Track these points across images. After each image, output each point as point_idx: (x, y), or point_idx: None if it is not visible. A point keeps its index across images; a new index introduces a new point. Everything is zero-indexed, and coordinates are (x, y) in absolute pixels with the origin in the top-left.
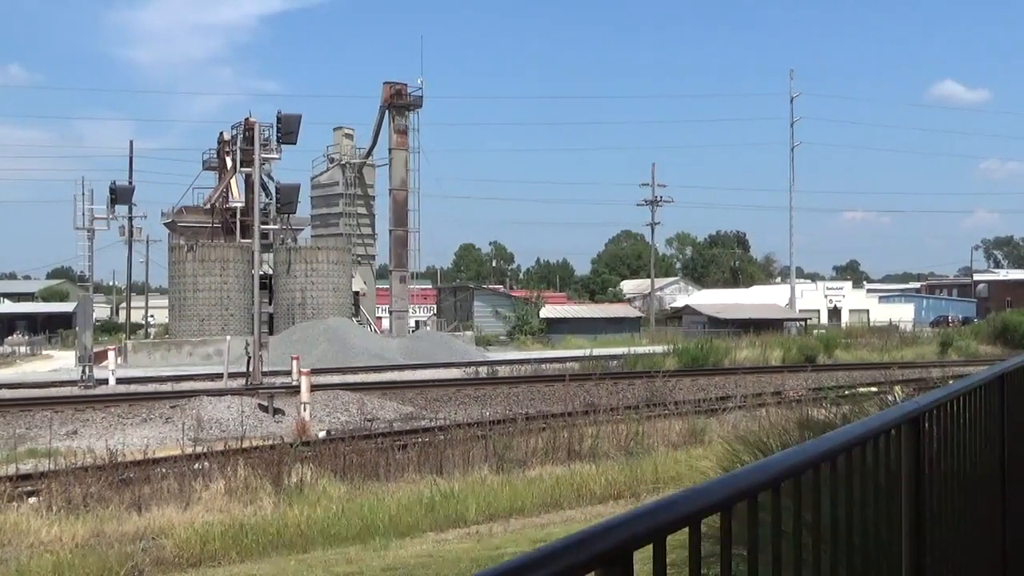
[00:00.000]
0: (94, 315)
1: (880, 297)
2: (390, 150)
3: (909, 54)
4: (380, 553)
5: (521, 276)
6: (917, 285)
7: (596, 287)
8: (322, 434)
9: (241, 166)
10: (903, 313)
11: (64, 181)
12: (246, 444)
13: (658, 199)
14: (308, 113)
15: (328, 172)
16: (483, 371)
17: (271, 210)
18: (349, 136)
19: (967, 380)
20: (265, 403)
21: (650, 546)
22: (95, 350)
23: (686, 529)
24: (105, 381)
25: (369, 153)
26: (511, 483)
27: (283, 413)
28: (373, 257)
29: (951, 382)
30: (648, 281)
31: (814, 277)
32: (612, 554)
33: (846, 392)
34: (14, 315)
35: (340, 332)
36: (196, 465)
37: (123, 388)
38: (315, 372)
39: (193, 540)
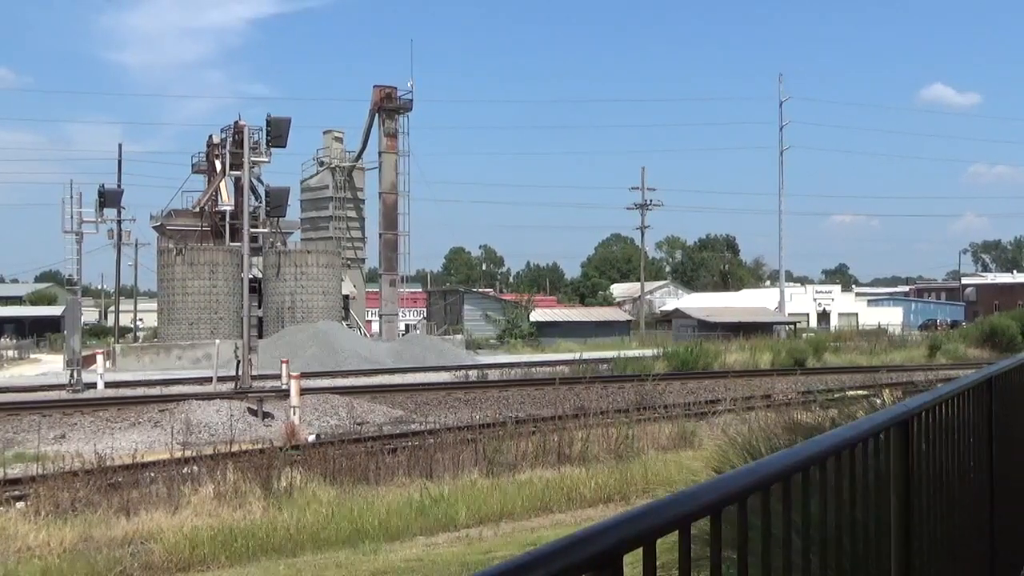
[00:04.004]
0: (82, 319)
1: (869, 300)
2: (380, 153)
3: (899, 57)
4: (370, 557)
5: (511, 280)
6: (906, 289)
7: (586, 290)
8: (311, 438)
9: (230, 169)
10: (892, 316)
11: (52, 184)
12: (235, 448)
13: (648, 203)
14: (298, 116)
15: (318, 175)
16: (473, 375)
17: (260, 213)
18: (339, 139)
19: (955, 383)
20: (254, 407)
21: (640, 549)
22: (83, 354)
23: (676, 532)
24: (93, 385)
25: (359, 156)
26: (501, 487)
27: (272, 417)
28: (363, 260)
29: (939, 385)
30: (638, 284)
31: (803, 281)
32: (602, 557)
33: (835, 395)
34: (2, 319)
35: (330, 336)
36: (185, 469)
37: (112, 392)
38: (304, 376)
39: (182, 545)
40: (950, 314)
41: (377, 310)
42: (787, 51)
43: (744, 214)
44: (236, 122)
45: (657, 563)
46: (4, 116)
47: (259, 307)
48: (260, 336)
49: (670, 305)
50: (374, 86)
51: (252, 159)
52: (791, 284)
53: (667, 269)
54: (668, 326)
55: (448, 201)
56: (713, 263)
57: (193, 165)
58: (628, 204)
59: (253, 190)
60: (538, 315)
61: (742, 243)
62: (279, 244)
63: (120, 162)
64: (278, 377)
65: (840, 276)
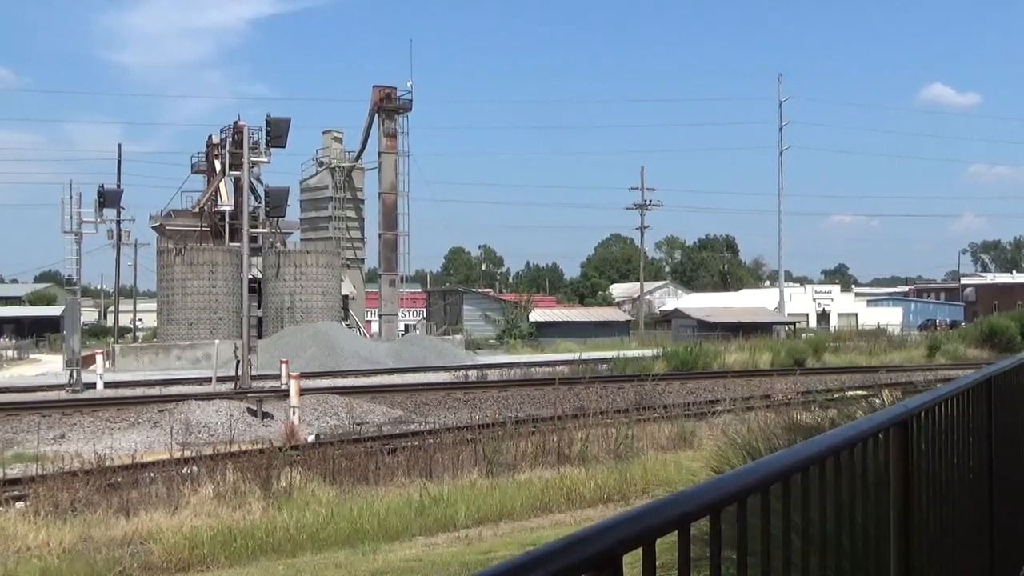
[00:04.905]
0: (82, 319)
1: (868, 301)
2: (379, 153)
3: (899, 57)
4: (369, 557)
5: (511, 280)
6: (905, 289)
7: (586, 291)
8: (311, 438)
9: (230, 169)
10: (891, 317)
11: (52, 184)
12: (235, 448)
13: (647, 203)
14: (297, 116)
15: (317, 176)
16: (472, 375)
17: (260, 214)
18: (338, 139)
19: (955, 383)
20: (254, 407)
21: (640, 549)
22: (83, 354)
23: (675, 532)
24: (93, 385)
25: (358, 157)
26: (500, 487)
27: (272, 417)
28: (362, 261)
29: (939, 385)
30: (637, 285)
31: (803, 281)
32: (602, 557)
33: (834, 395)
34: (1, 319)
35: (329, 336)
36: (184, 469)
37: (111, 392)
38: (304, 376)
39: (181, 545)
40: (949, 314)
41: (377, 310)
42: (787, 51)
43: (744, 214)
44: (236, 122)
45: (657, 563)
46: (4, 116)
47: (258, 307)
48: (260, 336)
49: (669, 305)
50: (374, 86)
51: (252, 159)
52: (790, 284)
53: (667, 269)
54: (667, 326)
55: (448, 201)
56: (713, 263)
57: (193, 165)
58: (628, 204)
59: (253, 190)
60: (537, 315)
61: (742, 243)
62: (279, 244)
63: (120, 162)
64: (278, 377)
65: (840, 276)
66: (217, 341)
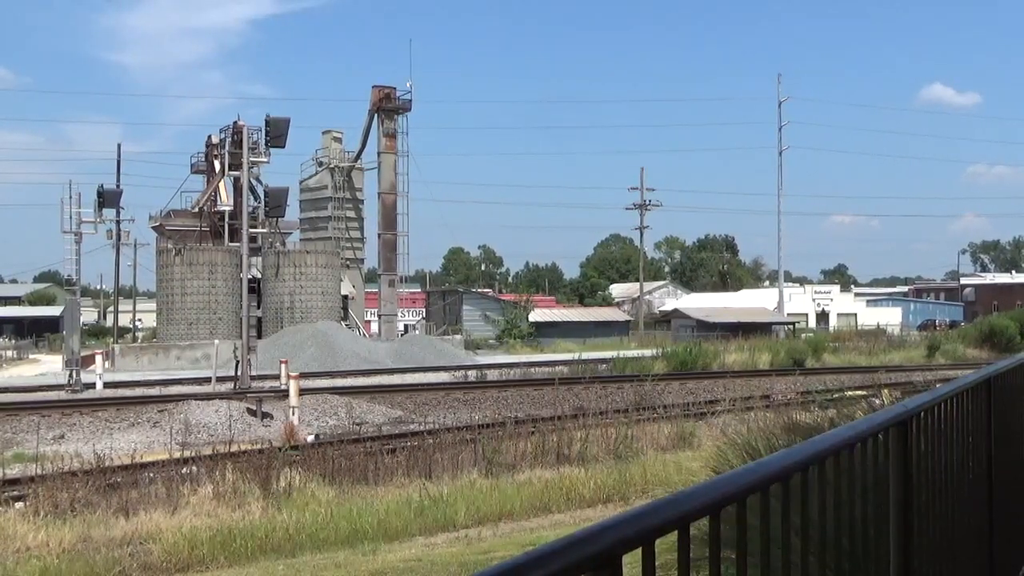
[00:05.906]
0: (81, 319)
1: (868, 301)
2: (379, 154)
3: (899, 57)
4: (369, 557)
5: (510, 280)
6: (905, 289)
7: (585, 291)
8: (310, 438)
9: (229, 169)
10: (891, 317)
11: (51, 184)
12: (234, 448)
13: (647, 203)
14: (297, 117)
15: (317, 176)
16: (472, 375)
17: (259, 214)
18: (338, 140)
19: (954, 383)
20: (253, 407)
21: (639, 550)
22: (82, 354)
23: (675, 532)
24: (92, 385)
25: (358, 157)
26: (500, 487)
27: (271, 417)
28: (362, 261)
29: (938, 386)
30: (637, 285)
31: (802, 281)
32: (601, 557)
33: (834, 396)
34: (1, 319)
35: (328, 336)
36: (184, 469)
37: (111, 392)
38: (303, 376)
39: (181, 545)
40: (949, 314)
41: (376, 310)
42: (787, 51)
43: (743, 214)
44: (235, 122)
45: (656, 563)
46: (4, 116)
47: (258, 307)
48: (259, 336)
49: (669, 305)
50: (373, 86)
51: (251, 159)
52: (790, 284)
53: (666, 269)
54: (667, 326)
55: (447, 201)
56: (712, 263)
57: (192, 165)
58: (627, 204)
59: (252, 190)
60: (537, 315)
61: (741, 243)
62: (278, 244)
63: (119, 162)
64: (277, 377)
65: (839, 276)
66: (217, 341)
